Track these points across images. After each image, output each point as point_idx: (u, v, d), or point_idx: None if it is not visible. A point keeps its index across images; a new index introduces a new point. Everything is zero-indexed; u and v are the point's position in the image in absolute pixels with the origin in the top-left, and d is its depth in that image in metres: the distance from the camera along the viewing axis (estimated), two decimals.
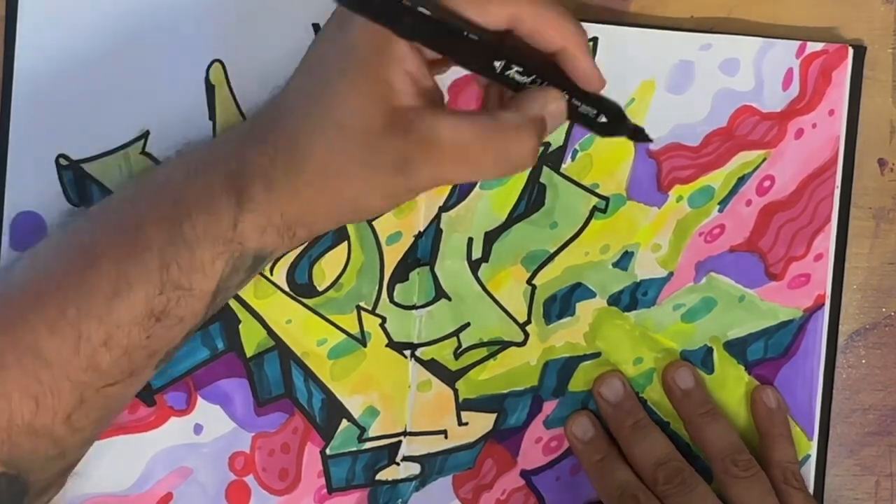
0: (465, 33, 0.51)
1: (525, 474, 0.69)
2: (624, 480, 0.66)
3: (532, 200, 0.68)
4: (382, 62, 0.51)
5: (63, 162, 0.64)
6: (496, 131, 0.52)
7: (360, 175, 0.52)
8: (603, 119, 0.56)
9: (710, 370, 0.69)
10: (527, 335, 0.68)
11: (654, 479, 0.65)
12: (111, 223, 0.55)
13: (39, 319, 0.53)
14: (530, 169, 0.67)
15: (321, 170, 0.53)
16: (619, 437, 0.68)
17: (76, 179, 0.64)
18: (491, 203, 0.67)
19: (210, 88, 0.64)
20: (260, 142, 0.54)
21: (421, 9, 0.49)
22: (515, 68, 0.53)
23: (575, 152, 0.68)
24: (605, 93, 0.67)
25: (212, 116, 0.65)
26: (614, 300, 0.69)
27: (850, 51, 0.69)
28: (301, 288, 0.66)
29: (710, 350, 0.69)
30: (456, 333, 0.68)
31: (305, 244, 0.65)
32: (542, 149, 0.67)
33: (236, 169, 0.54)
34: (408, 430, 0.67)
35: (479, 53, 0.52)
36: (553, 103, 0.54)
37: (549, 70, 0.54)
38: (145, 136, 0.64)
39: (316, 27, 0.65)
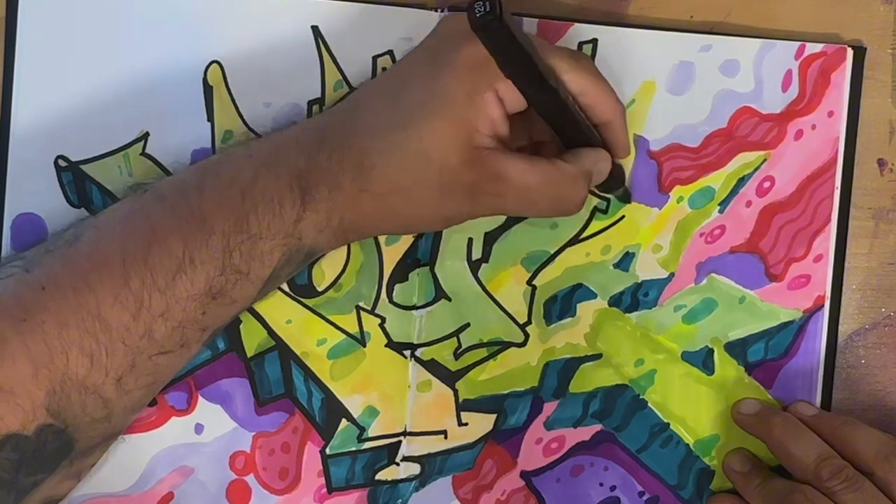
0: (551, 83, 0.59)
1: (525, 475, 0.69)
2: (783, 484, 0.66)
3: None
4: (472, 108, 0.58)
5: (62, 163, 0.64)
6: (556, 178, 0.60)
7: (430, 198, 0.59)
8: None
9: (711, 371, 0.69)
10: (527, 336, 0.68)
11: (817, 476, 0.64)
12: (178, 206, 0.58)
13: (104, 287, 0.56)
14: None
15: (388, 188, 0.59)
16: (771, 438, 0.67)
17: (76, 181, 0.64)
18: None
19: (208, 89, 0.65)
20: (331, 149, 0.59)
21: (528, 49, 0.57)
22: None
23: None
24: None
25: (210, 118, 0.65)
26: (615, 301, 0.69)
27: (850, 52, 0.69)
28: (301, 288, 0.66)
29: (710, 351, 0.69)
30: (456, 334, 0.68)
31: None
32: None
33: (304, 169, 0.59)
34: (408, 430, 0.68)
35: (555, 102, 0.60)
36: (603, 162, 0.63)
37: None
38: (145, 137, 0.64)
39: (315, 29, 0.65)
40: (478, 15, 0.53)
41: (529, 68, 0.58)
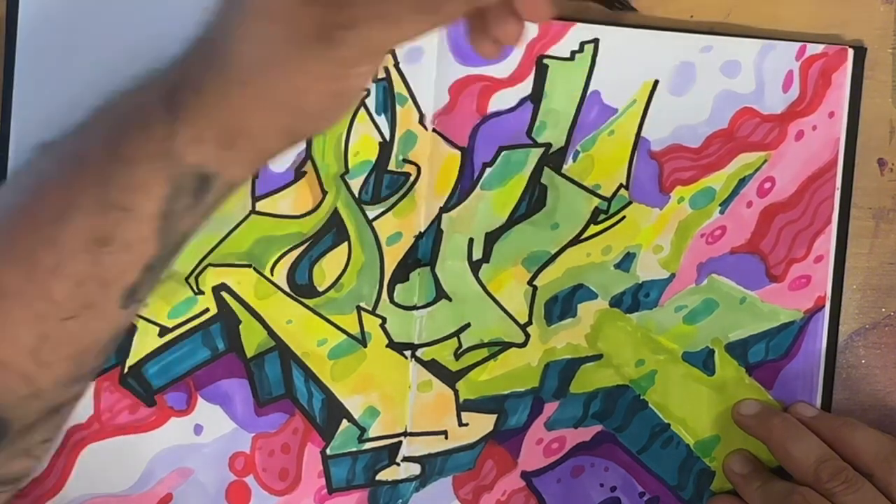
0: None
1: (526, 476, 0.69)
2: (783, 486, 0.66)
3: (533, 201, 0.68)
4: None
5: None
6: None
7: (291, 61, 0.51)
8: None
9: (712, 372, 0.69)
10: (528, 336, 0.68)
11: (817, 478, 0.64)
12: (60, 153, 0.55)
13: None
14: (531, 170, 0.67)
15: (248, 64, 0.52)
16: (771, 440, 0.68)
17: None
18: (492, 204, 0.67)
19: None
20: (193, 54, 0.54)
21: None
22: None
23: (576, 153, 0.68)
24: (607, 93, 0.68)
25: None
26: (616, 301, 0.69)
27: (851, 53, 0.69)
28: (301, 288, 0.66)
29: (711, 352, 0.69)
30: (456, 334, 0.68)
31: (305, 244, 0.66)
32: (543, 150, 0.67)
33: (172, 82, 0.53)
34: (408, 430, 0.67)
35: None
36: None
37: None
38: None
39: None
40: None
41: None
